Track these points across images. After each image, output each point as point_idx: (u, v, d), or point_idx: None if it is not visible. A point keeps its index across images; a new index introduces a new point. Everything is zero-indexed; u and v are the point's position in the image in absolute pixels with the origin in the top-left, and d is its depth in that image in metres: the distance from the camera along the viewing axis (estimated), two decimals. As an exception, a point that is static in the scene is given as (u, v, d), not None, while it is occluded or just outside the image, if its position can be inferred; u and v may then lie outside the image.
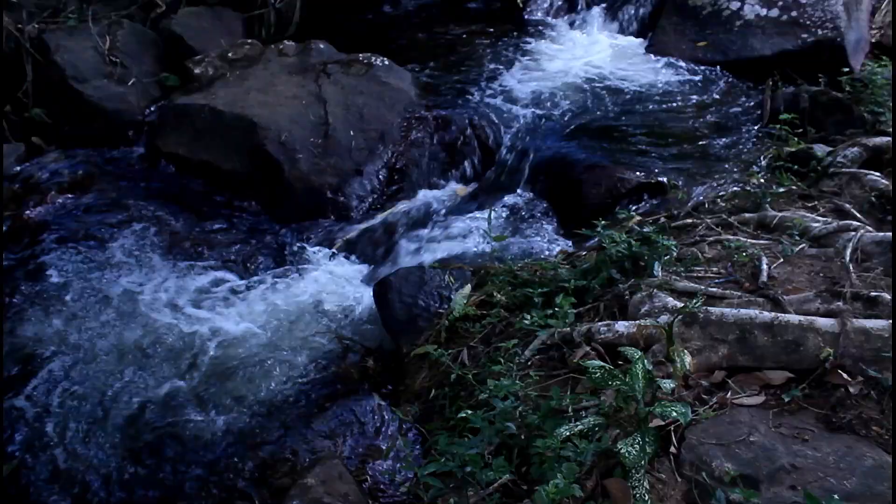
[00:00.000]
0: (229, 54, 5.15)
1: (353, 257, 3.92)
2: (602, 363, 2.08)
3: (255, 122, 4.38)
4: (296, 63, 4.90)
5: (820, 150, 3.77)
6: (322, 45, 5.00)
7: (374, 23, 6.41)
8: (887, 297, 2.48)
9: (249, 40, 5.38)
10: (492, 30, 6.05)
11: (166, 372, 3.18)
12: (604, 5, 6.33)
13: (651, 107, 4.80)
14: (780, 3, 5.38)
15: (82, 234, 4.00)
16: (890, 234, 2.91)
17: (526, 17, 6.32)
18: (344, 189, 4.26)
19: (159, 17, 5.66)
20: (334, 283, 3.66)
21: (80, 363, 3.19)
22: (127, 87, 5.03)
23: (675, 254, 2.87)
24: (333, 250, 3.91)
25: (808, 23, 5.24)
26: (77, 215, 4.18)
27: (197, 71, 5.05)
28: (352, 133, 4.39)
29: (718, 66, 5.32)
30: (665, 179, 3.81)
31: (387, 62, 4.81)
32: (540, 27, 6.11)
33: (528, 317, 2.62)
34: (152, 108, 5.03)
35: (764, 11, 5.40)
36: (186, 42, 5.34)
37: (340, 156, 4.32)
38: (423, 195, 4.30)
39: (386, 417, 2.86)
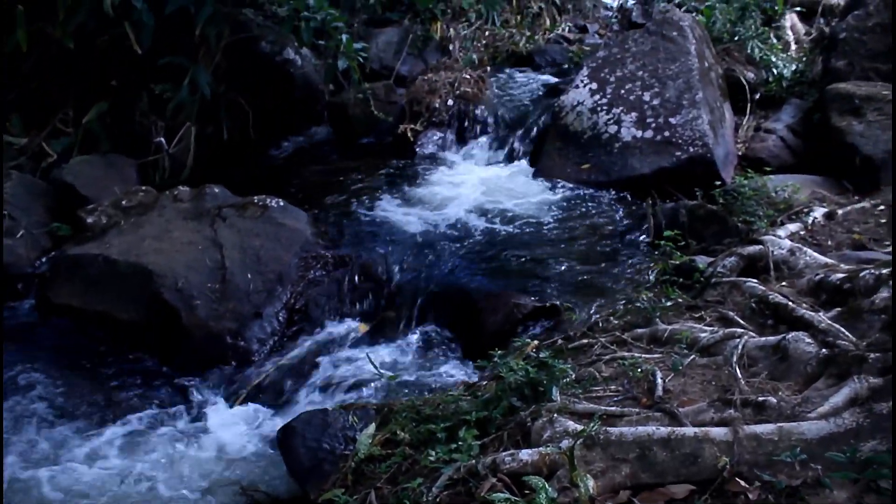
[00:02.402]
0: (123, 202, 5.11)
1: (255, 404, 3.82)
2: (508, 495, 2.08)
3: (151, 270, 4.32)
4: (191, 208, 4.90)
5: (701, 261, 3.97)
6: (217, 189, 5.04)
7: (268, 163, 6.51)
8: (773, 400, 2.59)
9: (144, 187, 5.37)
10: (385, 165, 6.23)
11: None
12: (492, 135, 6.61)
13: (542, 230, 4.97)
14: (654, 125, 5.76)
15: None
16: (772, 338, 3.06)
17: (418, 150, 6.51)
18: (244, 333, 4.21)
19: (50, 166, 5.63)
20: (237, 432, 3.56)
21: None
22: (15, 240, 4.90)
23: (572, 376, 2.93)
24: (236, 399, 3.83)
25: (679, 141, 5.61)
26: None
27: (90, 220, 4.99)
28: (249, 276, 4.38)
29: (602, 187, 5.59)
30: (559, 302, 3.93)
31: (282, 203, 4.87)
32: (432, 160, 6.32)
33: (433, 453, 2.60)
34: (43, 260, 4.91)
35: (640, 133, 5.77)
36: (78, 191, 5.30)
37: (239, 300, 4.28)
38: (324, 334, 4.26)
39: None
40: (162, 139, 5.95)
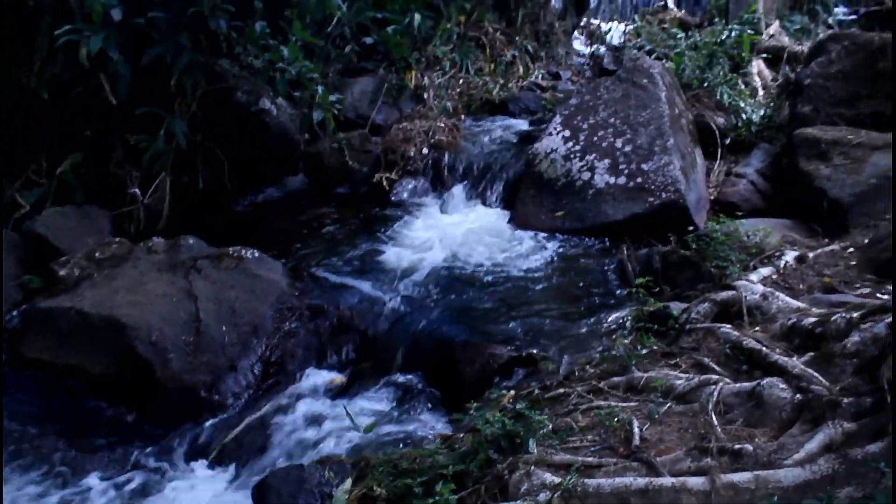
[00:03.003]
0: (96, 254, 5.08)
1: (230, 458, 3.77)
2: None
3: (125, 323, 4.28)
4: (166, 260, 4.88)
5: (676, 307, 4.00)
6: (192, 241, 5.02)
7: (244, 213, 6.50)
8: (749, 448, 2.61)
9: (118, 238, 5.34)
10: (360, 213, 6.25)
11: None
12: (467, 183, 6.65)
13: (517, 278, 4.99)
14: (626, 172, 5.83)
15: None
16: (746, 384, 3.08)
17: (393, 198, 6.54)
18: (218, 386, 4.17)
19: (23, 217, 5.58)
20: (212, 488, 3.51)
21: None
22: (-15, 293, 4.86)
23: (549, 426, 2.93)
24: (210, 454, 3.77)
25: (652, 187, 5.67)
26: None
27: (62, 272, 4.94)
28: (224, 328, 4.35)
29: (577, 233, 5.63)
30: (535, 351, 3.94)
31: (257, 254, 4.87)
32: (407, 208, 6.34)
33: (410, 508, 2.59)
34: (14, 313, 4.84)
35: (613, 180, 5.83)
36: (51, 243, 5.25)
37: (213, 352, 4.25)
38: (300, 386, 4.24)
39: None
40: (137, 190, 5.93)
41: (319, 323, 4.54)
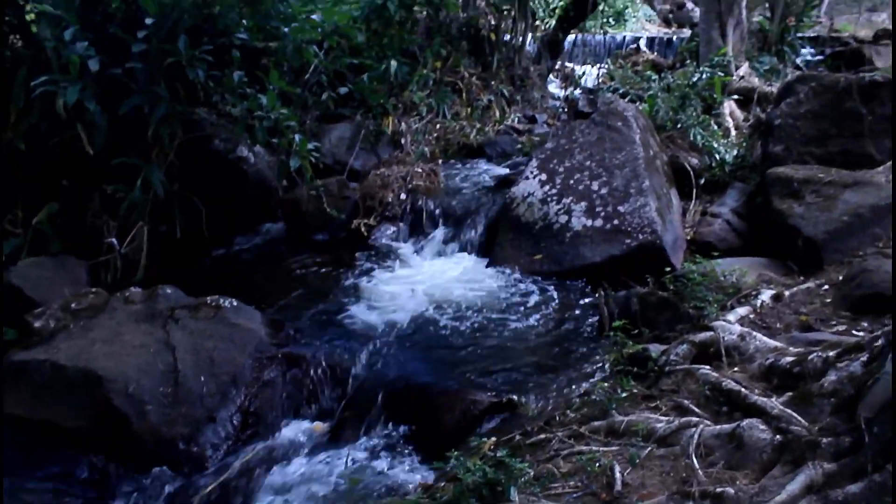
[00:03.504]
0: (73, 304, 5.01)
1: (210, 513, 3.72)
2: None
3: (101, 375, 4.21)
4: (143, 310, 4.84)
5: (655, 349, 4.01)
6: (169, 290, 4.99)
7: (223, 261, 6.48)
8: (731, 491, 2.61)
9: (94, 289, 5.28)
10: (339, 260, 6.23)
11: None
12: (445, 228, 6.67)
13: (496, 322, 4.99)
14: (603, 214, 5.88)
15: None
16: (726, 426, 3.09)
17: (371, 244, 6.54)
18: (197, 438, 4.11)
19: (-2, 268, 5.54)
20: (190, 544, 3.46)
21: None
22: (-43, 346, 4.78)
23: (531, 473, 2.91)
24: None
25: (629, 229, 5.72)
26: None
27: (37, 324, 4.87)
28: (203, 379, 4.30)
29: (555, 276, 5.65)
30: (515, 397, 3.94)
31: (235, 303, 4.83)
32: (386, 254, 6.33)
33: (392, 561, 2.55)
34: (-13, 367, 4.79)
35: (590, 222, 5.88)
36: (26, 294, 5.18)
37: (192, 403, 4.19)
38: (280, 437, 4.18)
39: None
40: (114, 239, 5.90)
41: (298, 372, 4.50)
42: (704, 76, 8.63)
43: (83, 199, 6.01)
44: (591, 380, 4.01)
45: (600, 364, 4.23)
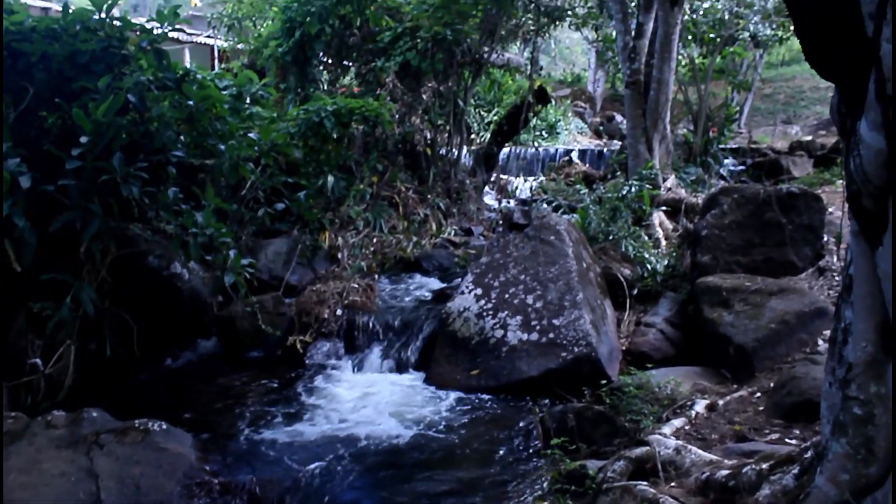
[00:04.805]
0: (-11, 430, 4.79)
1: None
2: None
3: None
4: (65, 435, 4.62)
5: (592, 466, 3.99)
6: (95, 413, 4.79)
7: (154, 381, 6.28)
8: None
9: (14, 413, 5.04)
10: (274, 379, 6.12)
11: None
12: (382, 344, 6.63)
13: (433, 443, 4.90)
14: (538, 327, 5.92)
15: None
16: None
17: (307, 361, 6.46)
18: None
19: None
20: None
21: None
22: None
23: None
24: None
25: (564, 342, 5.77)
26: None
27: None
28: (126, 509, 4.11)
29: (493, 392, 5.63)
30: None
31: (164, 426, 4.67)
32: (322, 372, 6.25)
33: None
34: None
35: (525, 336, 5.91)
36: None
37: (113, 539, 3.98)
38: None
39: None
40: (38, 360, 5.69)
41: (230, 499, 4.32)
42: (634, 189, 8.95)
43: (7, 318, 5.82)
44: (529, 501, 3.94)
45: (539, 483, 4.17)
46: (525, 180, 15.03)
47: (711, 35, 14.93)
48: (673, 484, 3.71)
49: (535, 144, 19.03)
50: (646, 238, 8.53)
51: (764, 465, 3.35)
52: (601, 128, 25.99)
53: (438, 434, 5.02)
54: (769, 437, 4.43)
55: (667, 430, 4.43)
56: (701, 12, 14.54)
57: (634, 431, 4.49)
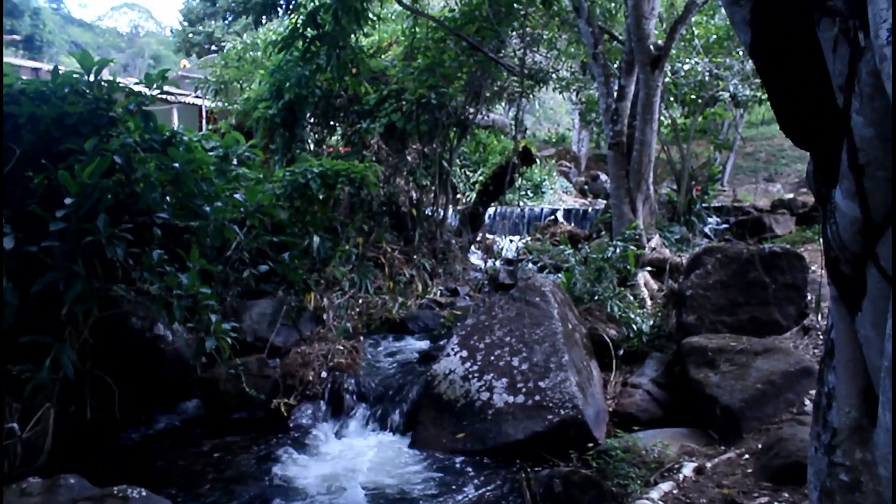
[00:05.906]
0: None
1: None
2: None
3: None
4: (41, 504, 4.52)
5: (580, 533, 3.93)
6: (73, 480, 4.68)
7: (135, 444, 6.16)
8: None
9: (-11, 477, 4.96)
10: (258, 442, 6.01)
11: None
12: (367, 407, 6.56)
13: (418, 507, 4.82)
14: (524, 390, 5.88)
15: None
16: None
17: (292, 425, 6.36)
18: None
19: None
20: None
21: None
22: None
23: None
24: None
25: (550, 405, 5.71)
26: None
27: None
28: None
29: (479, 455, 5.54)
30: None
31: (144, 493, 4.55)
32: (306, 435, 6.15)
33: None
34: None
35: (511, 398, 5.85)
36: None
37: None
38: None
39: None
40: (15, 424, 5.58)
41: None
42: (618, 249, 9.00)
43: (-16, 380, 5.73)
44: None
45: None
46: (511, 240, 15.12)
47: (692, 96, 15.23)
48: (661, 551, 3.66)
49: (521, 204, 19.20)
50: (631, 298, 8.55)
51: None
52: (586, 187, 26.31)
53: (420, 499, 4.93)
54: (758, 501, 4.38)
55: (654, 494, 4.38)
56: (682, 74, 14.84)
57: (622, 496, 4.43)
